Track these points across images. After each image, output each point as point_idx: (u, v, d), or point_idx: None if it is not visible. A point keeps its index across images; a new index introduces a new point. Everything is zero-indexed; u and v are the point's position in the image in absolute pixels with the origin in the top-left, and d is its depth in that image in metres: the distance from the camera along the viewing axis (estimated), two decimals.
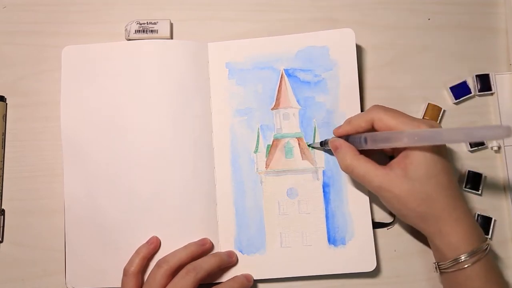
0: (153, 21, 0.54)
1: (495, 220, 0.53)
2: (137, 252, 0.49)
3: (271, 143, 0.52)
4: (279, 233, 0.51)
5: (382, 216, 0.53)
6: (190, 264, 0.48)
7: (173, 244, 0.50)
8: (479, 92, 0.55)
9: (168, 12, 0.56)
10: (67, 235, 0.51)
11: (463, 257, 0.43)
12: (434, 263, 0.47)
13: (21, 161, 0.54)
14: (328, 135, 0.51)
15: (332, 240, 0.51)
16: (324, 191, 0.51)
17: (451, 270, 0.44)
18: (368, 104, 0.55)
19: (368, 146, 0.46)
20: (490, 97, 0.56)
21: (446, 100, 0.56)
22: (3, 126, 0.54)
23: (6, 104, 0.54)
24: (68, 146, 0.52)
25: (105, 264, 0.51)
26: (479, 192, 0.53)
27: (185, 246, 0.49)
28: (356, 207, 0.51)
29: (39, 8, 0.56)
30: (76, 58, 0.53)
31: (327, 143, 0.50)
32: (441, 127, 0.49)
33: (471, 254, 0.43)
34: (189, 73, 0.53)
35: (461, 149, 0.55)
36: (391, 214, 0.53)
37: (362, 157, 0.46)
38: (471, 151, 0.55)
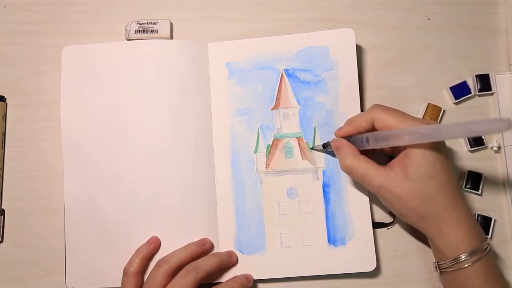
0: (153, 21, 0.54)
1: (495, 220, 0.53)
2: (137, 252, 0.49)
3: (271, 143, 0.52)
4: (279, 233, 0.51)
5: (382, 216, 0.53)
6: (190, 264, 0.48)
7: (173, 244, 0.50)
8: (479, 92, 0.55)
9: (168, 12, 0.56)
10: (67, 235, 0.51)
11: (463, 257, 0.43)
12: (434, 262, 0.47)
13: (21, 161, 0.54)
14: (328, 135, 0.52)
15: (332, 240, 0.51)
16: (324, 191, 0.51)
17: (451, 269, 0.44)
18: (368, 104, 0.55)
19: (370, 146, 0.46)
20: (490, 97, 0.56)
21: (446, 100, 0.56)
22: (3, 126, 0.54)
23: (6, 104, 0.54)
24: (68, 146, 0.52)
25: (105, 264, 0.51)
26: (479, 192, 0.53)
27: (185, 246, 0.49)
28: (356, 207, 0.51)
29: (39, 8, 0.56)
30: (76, 58, 0.53)
31: (329, 145, 0.50)
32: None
33: (471, 253, 0.43)
34: (189, 73, 0.53)
35: (461, 149, 0.55)
36: (391, 214, 0.53)
37: (362, 157, 0.46)
38: (471, 151, 0.55)
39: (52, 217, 0.53)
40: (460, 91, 0.55)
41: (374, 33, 0.57)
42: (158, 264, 0.48)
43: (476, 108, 0.55)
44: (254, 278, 0.51)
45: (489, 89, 0.55)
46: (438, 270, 0.46)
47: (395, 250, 0.53)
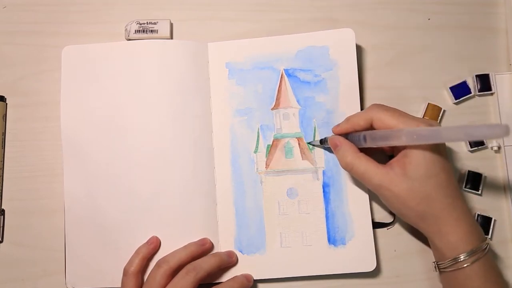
0: (153, 21, 0.54)
1: (495, 220, 0.53)
2: (137, 252, 0.49)
3: (271, 143, 0.52)
4: (279, 233, 0.51)
5: (382, 216, 0.53)
6: (190, 264, 0.48)
7: (173, 244, 0.50)
8: (479, 92, 0.55)
9: (168, 12, 0.56)
10: (67, 235, 0.51)
11: (462, 257, 0.43)
12: (434, 262, 0.47)
13: (21, 161, 0.54)
14: (328, 134, 0.51)
15: (332, 240, 0.51)
16: (324, 191, 0.51)
17: (450, 269, 0.44)
18: (368, 104, 0.55)
19: (367, 144, 0.46)
20: (490, 97, 0.56)
21: (446, 100, 0.56)
22: (3, 126, 0.54)
23: (6, 104, 0.54)
24: (68, 146, 0.52)
25: (105, 264, 0.51)
26: (479, 192, 0.53)
27: (185, 246, 0.49)
28: (356, 207, 0.51)
29: (39, 8, 0.56)
30: (76, 58, 0.53)
31: (326, 141, 0.50)
32: (440, 126, 0.48)
33: (470, 253, 0.43)
34: (189, 73, 0.53)
35: (461, 149, 0.55)
36: (391, 214, 0.53)
37: (362, 155, 0.46)
38: (471, 151, 0.55)
39: (52, 217, 0.53)
40: (460, 91, 0.55)
41: (374, 33, 0.57)
42: (158, 264, 0.48)
43: (476, 108, 0.55)
44: (254, 278, 0.51)
45: (489, 89, 0.55)
46: (438, 270, 0.46)
47: (395, 250, 0.53)
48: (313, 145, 0.52)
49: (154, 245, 0.50)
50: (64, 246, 0.51)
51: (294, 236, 0.51)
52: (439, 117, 0.54)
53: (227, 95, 0.53)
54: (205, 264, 0.48)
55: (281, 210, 0.52)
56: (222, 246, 0.51)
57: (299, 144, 0.52)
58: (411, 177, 0.43)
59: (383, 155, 0.52)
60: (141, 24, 0.54)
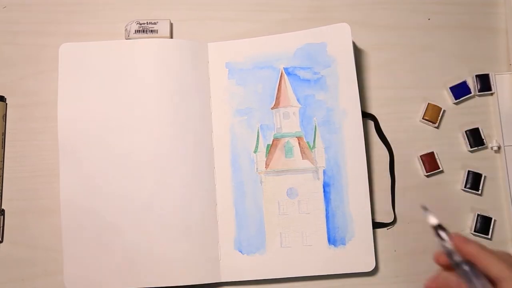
0: (153, 21, 0.54)
1: (495, 220, 0.53)
2: None
3: (271, 143, 0.52)
4: (279, 233, 0.51)
5: (382, 216, 0.53)
6: None
7: (173, 245, 0.50)
8: (479, 92, 0.55)
9: (168, 12, 0.56)
10: (63, 237, 0.51)
11: None
12: None
13: (21, 161, 0.54)
14: (328, 133, 0.51)
15: (332, 240, 0.51)
16: (324, 191, 0.51)
17: None
18: (368, 104, 0.55)
19: None
20: (490, 97, 0.56)
21: (446, 100, 0.56)
22: (3, 126, 0.54)
23: (6, 104, 0.54)
24: (64, 146, 0.51)
25: (102, 265, 0.50)
26: (479, 192, 0.53)
27: None
28: (357, 207, 0.51)
29: (39, 8, 0.56)
30: (74, 56, 0.53)
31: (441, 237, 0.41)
32: None
33: None
34: (189, 73, 0.53)
35: (461, 149, 0.55)
36: (391, 213, 0.53)
37: None
38: (471, 151, 0.55)
39: (52, 217, 0.52)
40: (460, 91, 0.55)
41: (374, 33, 0.57)
42: None
43: (476, 108, 0.55)
44: (254, 278, 0.51)
45: (489, 89, 0.55)
46: None
47: (395, 250, 0.53)
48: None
49: None
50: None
51: (294, 236, 0.51)
52: (439, 117, 0.54)
53: (227, 95, 0.53)
54: None
55: (281, 210, 0.51)
56: (222, 246, 0.51)
57: (299, 143, 0.52)
58: None
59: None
60: (141, 24, 0.54)
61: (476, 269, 0.37)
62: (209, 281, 0.50)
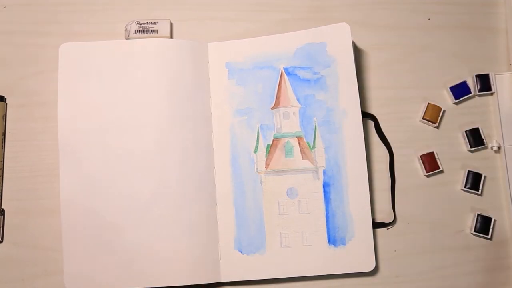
0: (153, 21, 0.54)
1: (495, 220, 0.53)
2: None
3: (271, 143, 0.52)
4: (279, 233, 0.51)
5: (382, 216, 0.53)
6: None
7: (172, 245, 0.50)
8: (479, 92, 0.55)
9: (168, 12, 0.56)
10: (63, 237, 0.50)
11: None
12: None
13: (21, 161, 0.54)
14: (328, 133, 0.51)
15: (332, 240, 0.51)
16: (324, 191, 0.51)
17: None
18: (368, 104, 0.55)
19: None
20: (490, 97, 0.56)
21: (446, 100, 0.56)
22: (3, 126, 0.54)
23: (6, 104, 0.54)
24: (64, 146, 0.51)
25: (102, 265, 0.50)
26: (479, 192, 0.53)
27: None
28: (357, 207, 0.51)
29: (39, 8, 0.56)
30: (74, 56, 0.53)
31: None
32: None
33: None
34: (189, 73, 0.53)
35: (461, 149, 0.55)
36: (391, 213, 0.53)
37: None
38: (471, 151, 0.55)
39: (52, 217, 0.52)
40: (460, 91, 0.55)
41: (374, 33, 0.57)
42: None
43: (476, 108, 0.55)
44: (254, 278, 0.51)
45: (489, 89, 0.55)
46: None
47: (395, 250, 0.53)
48: None
49: None
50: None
51: (294, 236, 0.51)
52: (439, 117, 0.54)
53: (227, 95, 0.53)
54: None
55: (281, 210, 0.51)
56: (222, 246, 0.51)
57: (299, 143, 0.52)
58: None
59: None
60: (141, 24, 0.54)
61: None
62: (209, 281, 0.50)
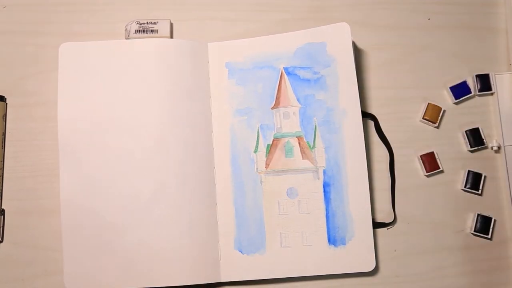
0: (153, 21, 0.54)
1: (495, 220, 0.53)
2: None
3: (271, 143, 0.52)
4: (279, 233, 0.51)
5: (382, 216, 0.53)
6: None
7: (173, 245, 0.50)
8: (479, 92, 0.55)
9: (168, 12, 0.56)
10: (63, 236, 0.50)
11: None
12: None
13: (21, 161, 0.54)
14: (328, 133, 0.51)
15: (332, 240, 0.51)
16: (324, 191, 0.51)
17: None
18: (368, 104, 0.55)
19: None
20: (490, 97, 0.56)
21: (446, 100, 0.56)
22: (3, 126, 0.54)
23: (6, 104, 0.54)
24: (64, 146, 0.51)
25: (102, 265, 0.50)
26: (479, 192, 0.53)
27: None
28: (357, 207, 0.51)
29: (39, 8, 0.56)
30: (74, 56, 0.53)
31: None
32: None
33: None
34: (189, 73, 0.53)
35: (461, 149, 0.55)
36: (391, 213, 0.53)
37: None
38: (471, 151, 0.55)
39: (52, 217, 0.52)
40: (460, 91, 0.55)
41: (374, 33, 0.57)
42: None
43: (476, 108, 0.55)
44: (254, 278, 0.51)
45: (489, 89, 0.55)
46: None
47: (395, 250, 0.53)
48: None
49: None
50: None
51: (294, 236, 0.51)
52: (439, 117, 0.54)
53: (227, 95, 0.53)
54: None
55: (281, 210, 0.51)
56: (222, 246, 0.51)
57: (299, 143, 0.52)
58: None
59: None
60: (141, 24, 0.54)
61: None
62: (209, 281, 0.50)
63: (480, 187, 0.53)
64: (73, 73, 0.53)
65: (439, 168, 0.54)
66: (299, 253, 0.51)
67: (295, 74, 0.53)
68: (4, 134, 0.54)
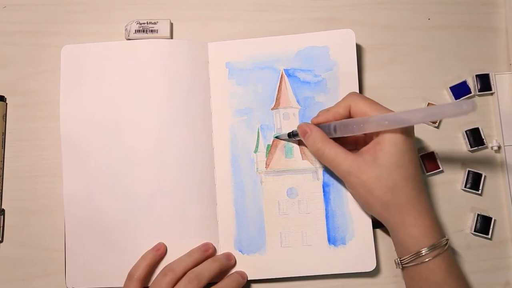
0: (153, 21, 0.54)
1: (495, 220, 0.53)
2: (143, 257, 0.49)
3: (271, 143, 0.52)
4: (279, 233, 0.51)
5: None
6: (192, 271, 0.47)
7: (173, 244, 0.50)
8: (479, 92, 0.55)
9: (168, 12, 0.56)
10: (67, 236, 0.51)
11: (424, 251, 0.44)
12: (396, 259, 0.47)
13: (21, 161, 0.54)
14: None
15: (332, 240, 0.51)
16: (324, 191, 0.51)
17: (413, 264, 0.45)
18: None
19: (337, 134, 0.46)
20: (490, 97, 0.56)
21: (446, 100, 0.56)
22: (3, 126, 0.54)
23: (6, 104, 0.54)
24: (67, 146, 0.52)
25: (104, 264, 0.50)
26: (479, 192, 0.53)
27: (189, 253, 0.49)
28: (357, 207, 0.51)
29: (39, 8, 0.56)
30: (75, 57, 0.53)
31: (295, 135, 0.50)
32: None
33: (432, 248, 0.44)
34: (189, 73, 0.53)
35: (461, 149, 0.55)
36: None
37: (332, 141, 0.47)
38: (471, 151, 0.55)
39: (52, 217, 0.53)
40: (460, 91, 0.55)
41: (374, 33, 0.57)
42: (163, 272, 0.47)
43: None
44: (254, 278, 0.51)
45: (489, 89, 0.55)
46: (401, 266, 0.46)
47: (395, 250, 0.53)
48: (281, 139, 0.52)
49: (161, 252, 0.50)
50: (64, 246, 0.51)
51: (294, 236, 0.51)
52: None
53: (227, 95, 0.53)
54: (207, 272, 0.48)
55: (281, 210, 0.52)
56: (222, 246, 0.51)
57: (299, 143, 0.52)
58: (380, 165, 0.44)
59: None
60: (141, 24, 0.54)
61: None
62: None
63: (480, 187, 0.53)
64: (75, 74, 0.53)
65: (439, 168, 0.54)
66: (299, 253, 0.51)
67: (295, 76, 0.53)
68: (4, 134, 0.54)
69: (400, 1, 0.57)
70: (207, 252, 0.50)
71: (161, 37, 0.54)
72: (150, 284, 0.49)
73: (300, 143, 0.52)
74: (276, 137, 0.52)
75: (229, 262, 0.50)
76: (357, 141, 0.50)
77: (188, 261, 0.48)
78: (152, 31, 0.54)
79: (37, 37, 0.56)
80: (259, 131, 0.53)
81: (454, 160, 0.54)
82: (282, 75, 0.53)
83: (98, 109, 0.52)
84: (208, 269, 0.48)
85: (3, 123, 0.54)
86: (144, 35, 0.54)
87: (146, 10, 0.56)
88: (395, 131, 0.44)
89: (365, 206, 0.49)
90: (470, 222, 0.53)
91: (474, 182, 0.53)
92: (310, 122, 0.49)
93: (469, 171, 0.54)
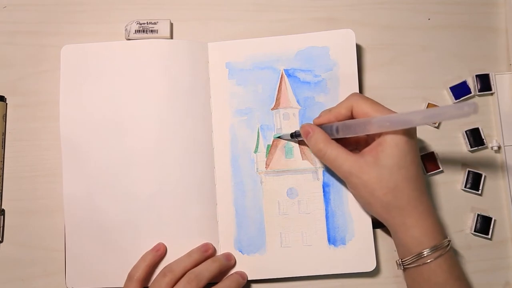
0: (153, 21, 0.54)
1: (495, 220, 0.53)
2: (143, 258, 0.49)
3: (271, 143, 0.52)
4: (279, 233, 0.51)
5: None
6: (191, 272, 0.47)
7: (173, 244, 0.50)
8: (479, 92, 0.55)
9: (168, 12, 0.56)
10: (67, 236, 0.51)
11: (425, 252, 0.44)
12: (398, 260, 0.47)
13: (21, 161, 0.54)
14: None
15: (332, 240, 0.51)
16: (324, 191, 0.51)
17: (415, 265, 0.45)
18: None
19: (339, 135, 0.46)
20: (490, 97, 0.56)
21: (446, 100, 0.56)
22: (3, 126, 0.54)
23: (6, 104, 0.54)
24: (67, 146, 0.52)
25: (104, 264, 0.50)
26: (479, 192, 0.53)
27: (188, 254, 0.49)
28: (356, 207, 0.51)
29: (39, 8, 0.56)
30: (75, 57, 0.53)
31: (297, 135, 0.50)
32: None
33: (434, 249, 0.44)
34: (189, 73, 0.53)
35: (461, 149, 0.55)
36: None
37: (333, 142, 0.47)
38: (471, 151, 0.55)
39: (52, 217, 0.53)
40: (460, 91, 0.55)
41: (374, 33, 0.57)
42: (163, 273, 0.48)
43: None
44: (254, 278, 0.51)
45: (489, 89, 0.55)
46: (402, 267, 0.46)
47: (395, 250, 0.52)
48: (283, 139, 0.52)
49: (161, 252, 0.50)
50: (64, 246, 0.51)
51: (294, 236, 0.51)
52: None
53: (227, 95, 0.53)
54: (206, 272, 0.48)
55: (281, 210, 0.52)
56: (222, 246, 0.51)
57: (299, 144, 0.52)
58: (382, 166, 0.44)
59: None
60: (141, 24, 0.54)
61: None
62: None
63: (480, 187, 0.53)
64: (75, 74, 0.53)
65: (439, 168, 0.54)
66: (299, 253, 0.51)
67: (295, 76, 0.53)
68: (4, 134, 0.54)
69: (400, 1, 0.57)
70: (207, 253, 0.50)
71: (161, 37, 0.54)
72: (149, 284, 0.49)
73: (300, 143, 0.52)
74: (278, 137, 0.52)
75: (229, 263, 0.50)
76: (358, 141, 0.50)
77: (188, 261, 0.48)
78: (152, 31, 0.54)
79: (37, 37, 0.56)
80: (259, 131, 0.53)
81: (454, 160, 0.54)
82: (282, 75, 0.53)
83: (98, 109, 0.52)
84: (207, 269, 0.48)
85: (3, 123, 0.54)
86: (144, 35, 0.54)
87: (146, 10, 0.56)
88: (397, 132, 0.44)
89: (366, 206, 0.49)
90: (470, 222, 0.53)
91: (474, 182, 0.53)
92: (312, 123, 0.49)
93: (469, 171, 0.54)
